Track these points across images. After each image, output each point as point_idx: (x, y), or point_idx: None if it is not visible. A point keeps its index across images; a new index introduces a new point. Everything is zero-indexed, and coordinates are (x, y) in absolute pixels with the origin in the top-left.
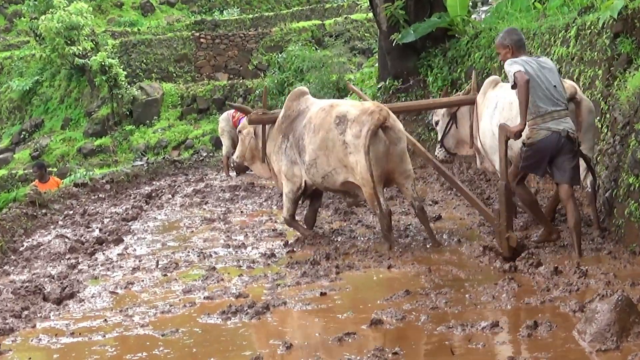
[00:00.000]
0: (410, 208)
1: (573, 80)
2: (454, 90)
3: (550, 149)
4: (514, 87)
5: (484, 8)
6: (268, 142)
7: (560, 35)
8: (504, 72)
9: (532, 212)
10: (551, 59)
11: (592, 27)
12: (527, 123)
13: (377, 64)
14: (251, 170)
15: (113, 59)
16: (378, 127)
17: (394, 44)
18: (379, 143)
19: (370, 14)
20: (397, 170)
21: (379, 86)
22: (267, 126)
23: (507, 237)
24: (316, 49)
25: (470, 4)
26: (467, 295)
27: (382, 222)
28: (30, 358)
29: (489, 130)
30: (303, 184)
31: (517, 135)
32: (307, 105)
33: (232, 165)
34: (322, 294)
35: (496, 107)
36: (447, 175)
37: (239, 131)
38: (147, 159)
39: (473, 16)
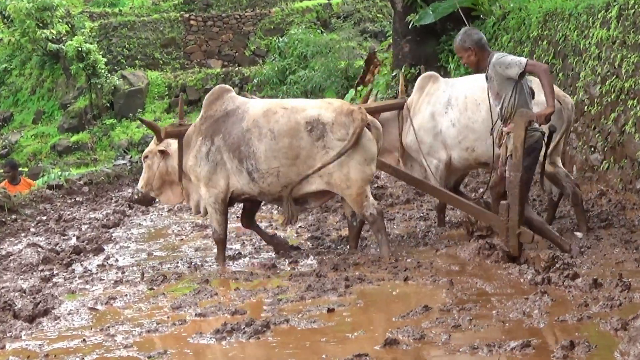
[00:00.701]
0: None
1: (614, 67)
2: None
3: (540, 150)
4: (522, 75)
5: None
6: (187, 151)
7: (599, 16)
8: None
9: None
10: (589, 43)
11: (637, 7)
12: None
13: (391, 49)
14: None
15: (91, 43)
16: (364, 127)
17: (410, 27)
18: (370, 142)
19: None
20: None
21: (394, 74)
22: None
23: (518, 232)
24: (322, 32)
25: None
26: (493, 312)
27: (373, 226)
28: None
29: (431, 128)
30: (228, 193)
31: (548, 118)
32: (236, 104)
33: (135, 197)
34: (329, 310)
35: (450, 105)
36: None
37: (146, 156)
38: (131, 157)
39: None
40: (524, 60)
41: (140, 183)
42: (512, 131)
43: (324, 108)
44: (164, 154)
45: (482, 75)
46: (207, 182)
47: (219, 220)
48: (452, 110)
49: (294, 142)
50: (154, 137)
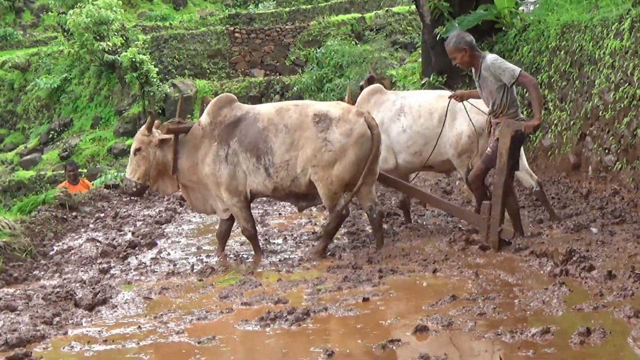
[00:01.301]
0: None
1: (627, 75)
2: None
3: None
4: (513, 84)
5: (532, 0)
6: (190, 151)
7: (613, 28)
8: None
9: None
10: (603, 53)
11: None
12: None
13: (420, 59)
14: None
15: (144, 54)
16: (367, 127)
17: (438, 38)
18: (368, 143)
19: (413, 7)
20: (372, 171)
21: (423, 82)
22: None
23: (500, 230)
24: (356, 43)
25: None
26: (516, 301)
27: (334, 221)
28: None
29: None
30: (248, 193)
31: (535, 129)
32: (245, 110)
33: (132, 189)
34: (364, 299)
35: (403, 112)
36: (411, 187)
37: (138, 149)
38: None
39: (521, 8)
40: (517, 70)
41: (136, 175)
42: (499, 139)
43: (333, 106)
44: (163, 143)
45: (432, 91)
46: (229, 185)
47: (246, 217)
48: (405, 117)
49: (302, 134)
50: (141, 130)
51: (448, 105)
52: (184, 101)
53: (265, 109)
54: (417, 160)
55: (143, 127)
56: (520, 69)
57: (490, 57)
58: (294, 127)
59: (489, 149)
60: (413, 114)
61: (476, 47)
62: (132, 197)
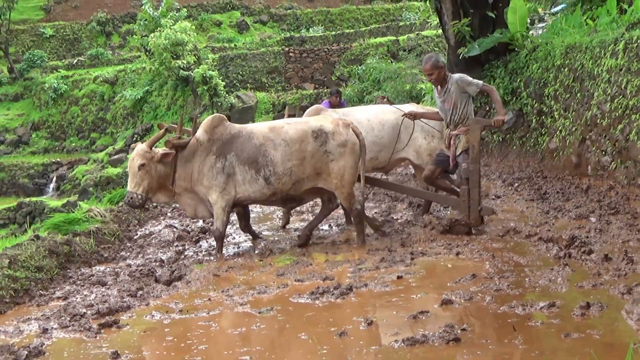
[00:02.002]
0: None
1: (621, 89)
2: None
3: None
4: (478, 94)
5: (541, 25)
6: (184, 163)
7: (609, 49)
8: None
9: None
10: (601, 70)
11: (639, 41)
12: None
13: None
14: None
15: (213, 71)
16: (356, 136)
17: (460, 57)
18: (358, 148)
19: (440, 31)
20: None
21: None
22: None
23: (480, 208)
24: (391, 61)
25: (529, 21)
26: (526, 279)
27: (355, 218)
28: (145, 331)
29: None
30: (234, 199)
31: (502, 124)
32: (237, 129)
33: (137, 202)
34: (398, 277)
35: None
36: (390, 184)
37: (142, 164)
38: None
39: (531, 32)
40: (480, 82)
41: (140, 188)
42: (469, 134)
43: (323, 121)
44: (165, 158)
45: (372, 106)
46: (222, 190)
47: (224, 221)
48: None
49: (303, 146)
50: (142, 147)
51: (403, 119)
52: (182, 121)
53: (257, 128)
54: (371, 165)
55: (144, 144)
56: (482, 82)
57: (458, 75)
58: (294, 141)
59: (464, 166)
60: (364, 127)
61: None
62: (135, 209)
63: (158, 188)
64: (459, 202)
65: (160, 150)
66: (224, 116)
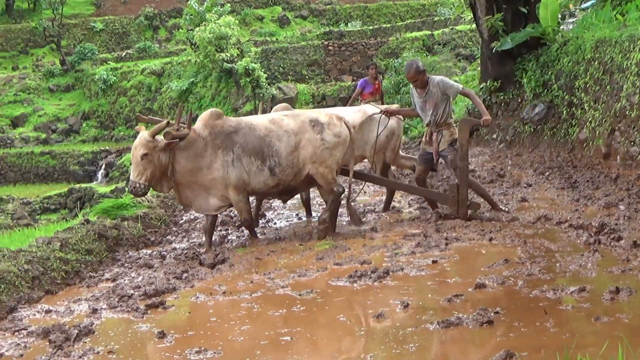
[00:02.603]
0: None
1: None
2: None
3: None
4: (455, 96)
5: (571, 20)
6: (192, 157)
7: (638, 43)
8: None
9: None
10: (630, 63)
11: None
12: (452, 125)
13: (479, 68)
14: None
15: (255, 63)
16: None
17: (493, 51)
18: (348, 141)
19: (474, 25)
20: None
21: (481, 87)
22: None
23: (469, 203)
24: (427, 55)
25: (560, 16)
26: (557, 264)
27: (332, 202)
28: (190, 312)
29: None
30: (249, 190)
31: (489, 123)
32: (236, 121)
33: (140, 191)
34: (433, 261)
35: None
36: (378, 178)
37: (145, 154)
38: None
39: (562, 27)
40: (460, 86)
41: (143, 177)
42: (459, 133)
43: (317, 113)
44: (167, 147)
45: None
46: (236, 185)
47: (248, 210)
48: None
49: (303, 136)
50: (145, 136)
51: (380, 117)
52: (181, 109)
53: (257, 120)
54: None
55: (146, 133)
56: (462, 85)
57: (439, 77)
58: (295, 132)
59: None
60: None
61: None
62: (137, 197)
63: (160, 177)
64: (447, 197)
65: (162, 138)
66: (220, 111)
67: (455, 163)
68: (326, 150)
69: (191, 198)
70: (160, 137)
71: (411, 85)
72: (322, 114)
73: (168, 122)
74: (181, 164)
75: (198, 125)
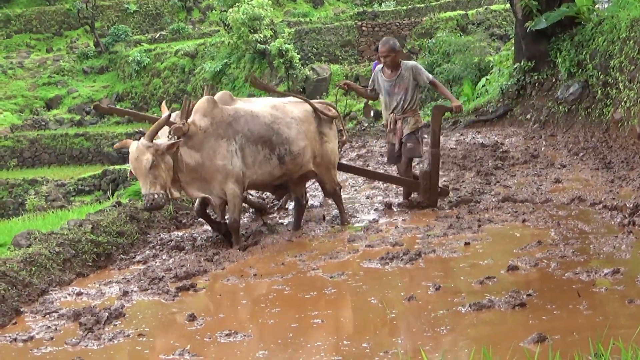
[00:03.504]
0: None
1: None
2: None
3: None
4: (426, 85)
5: None
6: (190, 152)
7: None
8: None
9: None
10: None
11: None
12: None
13: (513, 48)
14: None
15: (289, 44)
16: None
17: (527, 30)
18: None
19: (507, 5)
20: None
21: (515, 66)
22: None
23: (440, 190)
24: (460, 35)
25: None
26: (591, 246)
27: (336, 197)
28: (220, 295)
29: None
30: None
31: (460, 109)
32: (234, 108)
33: (160, 202)
34: (466, 243)
35: None
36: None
37: (151, 162)
38: None
39: (597, 6)
40: (430, 76)
41: (157, 187)
42: (432, 120)
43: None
44: (171, 148)
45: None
46: (238, 176)
47: (240, 209)
48: None
49: (309, 127)
50: (142, 142)
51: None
52: (187, 102)
53: (258, 107)
54: None
55: (143, 139)
56: (433, 76)
57: (412, 62)
58: (302, 120)
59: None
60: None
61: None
62: (156, 211)
63: (172, 181)
64: (419, 184)
65: (163, 141)
66: (214, 98)
67: (414, 152)
68: (327, 144)
69: (198, 194)
70: (159, 140)
71: (377, 69)
72: (315, 103)
73: (169, 117)
74: (185, 161)
75: (196, 116)
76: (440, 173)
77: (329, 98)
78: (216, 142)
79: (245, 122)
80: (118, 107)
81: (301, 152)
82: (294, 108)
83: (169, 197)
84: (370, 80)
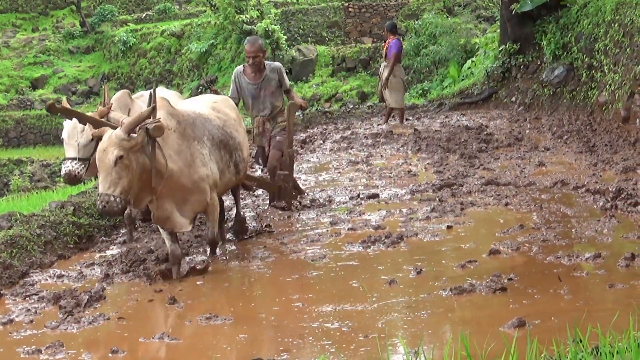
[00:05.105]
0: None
1: None
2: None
3: None
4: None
5: None
6: (174, 156)
7: None
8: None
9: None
10: None
11: None
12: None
13: (498, 30)
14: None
15: (275, 25)
16: None
17: (513, 13)
18: None
19: None
20: None
21: (500, 49)
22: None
23: (294, 193)
24: (447, 16)
25: None
26: (573, 230)
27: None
28: (203, 277)
29: None
30: None
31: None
32: (185, 111)
33: (115, 208)
34: (448, 227)
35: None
36: None
37: (120, 157)
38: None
39: None
40: (289, 84)
41: (117, 188)
42: (288, 117)
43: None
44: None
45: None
46: (214, 184)
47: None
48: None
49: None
50: (116, 133)
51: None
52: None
53: (201, 107)
54: None
55: (119, 130)
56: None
57: (277, 63)
58: (240, 121)
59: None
60: None
61: None
62: (108, 217)
63: (139, 188)
64: (272, 185)
65: (136, 135)
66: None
67: (281, 145)
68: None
69: (170, 211)
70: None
71: (236, 72)
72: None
73: (154, 109)
74: (169, 166)
75: (161, 114)
76: (425, 155)
77: (315, 79)
78: (190, 146)
79: (202, 123)
80: (75, 108)
81: (248, 158)
82: (229, 110)
83: (126, 203)
84: (232, 86)
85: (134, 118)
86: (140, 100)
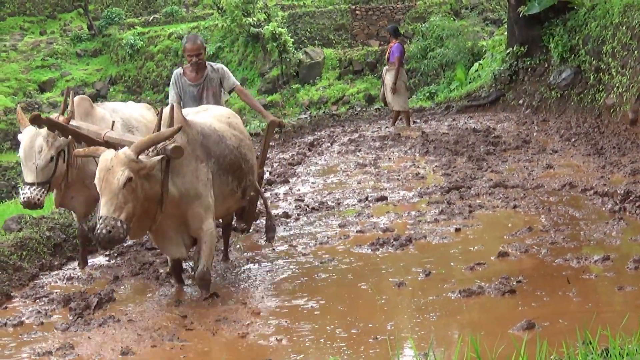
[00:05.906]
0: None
1: None
2: None
3: None
4: (230, 91)
5: None
6: (177, 180)
7: None
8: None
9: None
10: None
11: None
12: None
13: (506, 33)
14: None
15: (282, 28)
16: None
17: (520, 15)
18: None
19: None
20: None
21: (508, 51)
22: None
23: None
24: (454, 19)
25: None
26: (581, 232)
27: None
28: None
29: None
30: None
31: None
32: (200, 126)
33: (119, 234)
34: (456, 229)
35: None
36: None
37: (129, 179)
38: (310, 112)
39: None
40: (237, 82)
41: (123, 213)
42: (267, 134)
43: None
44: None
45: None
46: (211, 209)
47: (213, 255)
48: (139, 131)
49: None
50: (124, 152)
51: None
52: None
53: (215, 122)
54: None
55: (127, 149)
56: (238, 82)
57: (219, 64)
58: (247, 137)
59: None
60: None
61: None
62: (108, 247)
63: (140, 215)
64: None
65: (147, 159)
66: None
67: (261, 177)
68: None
69: (167, 241)
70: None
71: (175, 73)
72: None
73: (179, 129)
74: (170, 190)
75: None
76: (432, 158)
77: (322, 82)
78: (196, 166)
79: (215, 142)
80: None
81: (254, 180)
82: (240, 123)
83: (128, 230)
84: (172, 91)
85: (149, 138)
86: (102, 107)
